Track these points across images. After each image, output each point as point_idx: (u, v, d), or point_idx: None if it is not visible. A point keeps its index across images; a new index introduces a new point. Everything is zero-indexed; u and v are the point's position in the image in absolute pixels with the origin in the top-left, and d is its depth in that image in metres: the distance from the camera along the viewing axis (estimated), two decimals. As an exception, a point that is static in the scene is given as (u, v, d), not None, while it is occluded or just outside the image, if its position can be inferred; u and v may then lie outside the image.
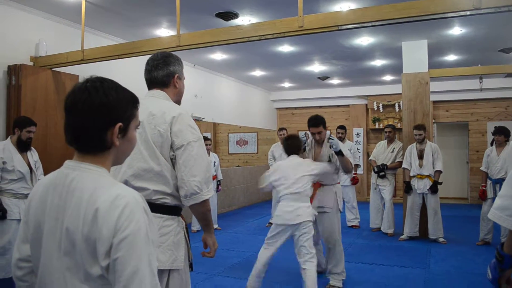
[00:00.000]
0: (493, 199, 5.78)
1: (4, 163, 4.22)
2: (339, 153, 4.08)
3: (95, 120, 1.21)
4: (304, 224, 3.69)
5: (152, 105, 2.10)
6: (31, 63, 5.19)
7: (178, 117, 2.05)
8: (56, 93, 5.26)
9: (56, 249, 1.20)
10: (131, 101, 1.30)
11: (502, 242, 1.67)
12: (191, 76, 8.61)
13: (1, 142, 4.40)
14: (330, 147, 4.12)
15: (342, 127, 7.61)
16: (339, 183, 4.55)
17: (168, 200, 2.05)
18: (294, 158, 3.92)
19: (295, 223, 3.68)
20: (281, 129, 7.91)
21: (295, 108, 12.52)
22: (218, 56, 7.94)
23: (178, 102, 2.25)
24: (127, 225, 1.14)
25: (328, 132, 4.42)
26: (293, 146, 3.97)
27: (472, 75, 7.91)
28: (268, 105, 12.48)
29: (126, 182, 2.00)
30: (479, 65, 7.35)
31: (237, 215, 9.15)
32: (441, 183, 6.27)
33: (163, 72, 2.20)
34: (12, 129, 4.41)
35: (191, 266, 2.21)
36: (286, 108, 12.72)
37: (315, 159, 4.33)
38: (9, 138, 4.40)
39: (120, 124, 1.24)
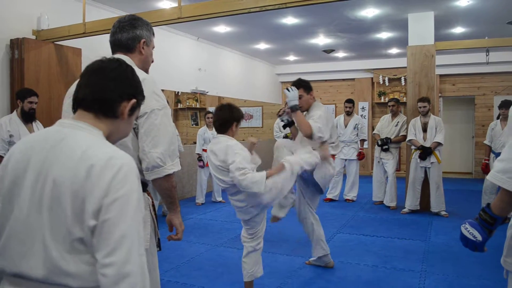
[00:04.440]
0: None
1: (11, 136, 4.28)
2: (293, 108, 3.51)
3: (118, 88, 1.29)
4: None
5: None
6: (33, 37, 5.18)
7: (141, 82, 1.90)
8: (59, 66, 5.26)
9: (35, 204, 1.15)
10: (143, 93, 1.42)
11: (488, 203, 1.68)
12: (195, 49, 8.57)
13: (7, 116, 4.46)
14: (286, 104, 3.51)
15: (350, 100, 7.58)
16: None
17: None
18: (220, 139, 2.82)
19: None
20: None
21: (300, 82, 12.40)
22: (222, 29, 7.86)
23: (145, 70, 2.05)
24: (120, 187, 1.11)
25: (292, 88, 3.68)
26: (219, 120, 2.85)
27: (479, 48, 7.76)
28: (273, 78, 12.39)
29: None
30: (486, 38, 7.23)
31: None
32: (432, 152, 6.19)
33: (128, 35, 2.03)
34: (15, 102, 4.46)
35: (159, 245, 2.06)
36: (291, 82, 12.62)
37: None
38: (15, 111, 4.45)
39: (135, 100, 1.33)
